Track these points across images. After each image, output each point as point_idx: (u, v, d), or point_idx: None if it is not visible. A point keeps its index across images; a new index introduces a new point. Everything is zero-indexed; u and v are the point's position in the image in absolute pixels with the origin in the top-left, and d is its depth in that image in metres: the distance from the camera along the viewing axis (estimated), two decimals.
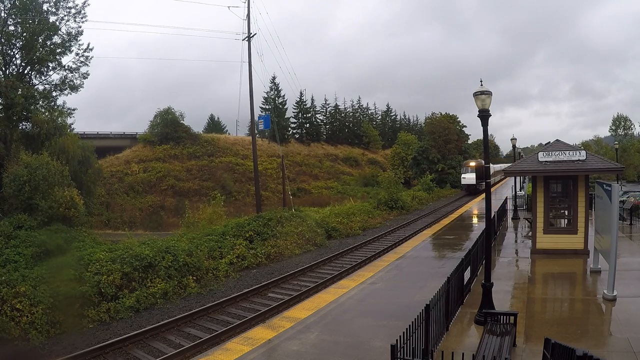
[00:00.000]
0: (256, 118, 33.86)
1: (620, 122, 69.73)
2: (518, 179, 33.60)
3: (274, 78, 62.79)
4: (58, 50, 24.34)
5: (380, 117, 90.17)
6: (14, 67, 23.87)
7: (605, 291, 9.64)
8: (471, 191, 49.37)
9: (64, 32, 24.62)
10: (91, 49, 25.52)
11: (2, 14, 22.84)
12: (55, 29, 24.12)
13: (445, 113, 74.20)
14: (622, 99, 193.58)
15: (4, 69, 23.31)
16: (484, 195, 43.16)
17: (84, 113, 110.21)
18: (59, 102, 25.50)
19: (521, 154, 38.10)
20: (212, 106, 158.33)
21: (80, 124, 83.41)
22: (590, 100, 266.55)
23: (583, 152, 12.90)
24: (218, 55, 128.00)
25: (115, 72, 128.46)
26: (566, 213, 14.02)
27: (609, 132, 71.83)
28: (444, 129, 66.80)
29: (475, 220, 24.78)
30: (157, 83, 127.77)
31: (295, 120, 68.85)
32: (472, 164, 48.83)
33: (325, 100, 76.59)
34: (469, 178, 49.24)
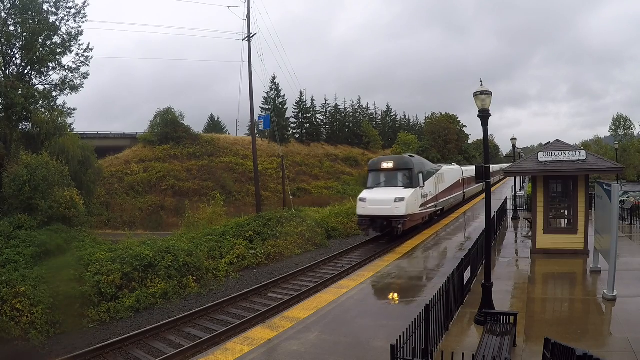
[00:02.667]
0: (256, 118, 33.86)
1: (620, 122, 69.63)
2: (518, 179, 33.56)
3: (274, 78, 62.75)
4: (58, 50, 24.36)
5: (380, 117, 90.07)
6: (14, 67, 23.87)
7: (605, 291, 9.64)
8: (381, 230, 19.69)
9: (64, 32, 24.67)
10: (91, 49, 25.58)
11: (2, 14, 22.85)
12: (55, 29, 24.14)
13: (445, 113, 74.39)
14: (620, 100, 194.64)
15: (4, 69, 23.31)
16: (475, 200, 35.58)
17: (87, 113, 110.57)
18: (59, 102, 25.56)
19: (521, 154, 38.00)
20: (213, 106, 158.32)
21: (83, 124, 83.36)
22: (589, 101, 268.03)
23: (583, 152, 12.91)
24: (220, 55, 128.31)
25: (118, 73, 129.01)
26: (566, 213, 14.02)
27: (609, 132, 71.75)
28: (444, 129, 66.96)
29: (475, 220, 24.70)
30: (161, 83, 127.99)
31: (295, 120, 68.76)
32: (388, 164, 20.64)
33: (325, 101, 76.52)
34: (375, 201, 19.24)
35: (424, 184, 20.39)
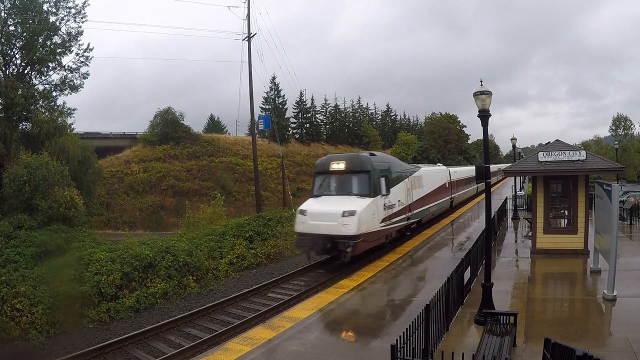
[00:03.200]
0: (256, 118, 33.90)
1: (620, 122, 69.65)
2: (518, 179, 33.55)
3: (274, 78, 62.82)
4: (58, 50, 24.38)
5: (380, 117, 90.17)
6: (14, 67, 23.89)
7: (605, 291, 9.65)
8: (326, 253, 15.29)
9: (64, 32, 24.69)
10: (91, 49, 25.61)
11: (2, 14, 22.86)
12: (55, 29, 24.16)
13: (445, 113, 74.40)
14: (620, 100, 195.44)
15: (4, 69, 23.32)
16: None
17: (87, 114, 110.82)
18: (59, 102, 25.60)
19: (521, 154, 37.98)
20: (213, 106, 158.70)
21: (84, 124, 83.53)
22: (588, 101, 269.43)
23: (583, 152, 12.92)
24: (220, 55, 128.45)
25: (119, 73, 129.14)
26: (566, 213, 14.03)
27: (609, 132, 71.79)
28: (444, 129, 66.98)
29: (474, 217, 24.71)
30: (161, 84, 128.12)
31: (295, 120, 68.85)
32: (339, 165, 16.03)
33: (326, 100, 76.63)
34: (318, 215, 14.77)
35: (388, 191, 16.09)
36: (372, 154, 17.27)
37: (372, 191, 15.21)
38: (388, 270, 13.78)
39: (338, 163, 16.14)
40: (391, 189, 16.48)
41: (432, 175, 23.30)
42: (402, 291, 11.73)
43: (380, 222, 15.43)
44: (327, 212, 14.60)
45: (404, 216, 17.81)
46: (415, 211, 19.22)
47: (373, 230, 14.88)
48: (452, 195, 27.66)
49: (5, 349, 11.27)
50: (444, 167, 28.15)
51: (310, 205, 15.66)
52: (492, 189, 27.73)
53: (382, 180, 15.95)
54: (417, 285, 12.28)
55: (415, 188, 19.43)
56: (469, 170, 33.70)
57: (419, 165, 24.40)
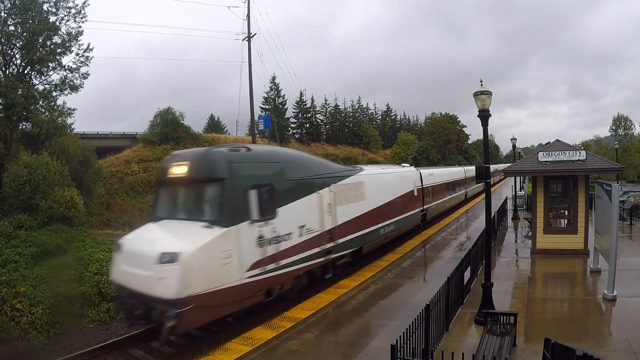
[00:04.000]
0: (256, 118, 33.91)
1: (621, 122, 69.67)
2: (518, 179, 33.57)
3: (274, 78, 62.78)
4: (58, 50, 24.38)
5: (380, 117, 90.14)
6: (14, 67, 23.88)
7: (605, 291, 9.65)
8: (144, 319, 8.75)
9: (64, 32, 24.69)
10: (91, 49, 25.59)
11: (2, 14, 22.87)
12: (55, 29, 24.15)
13: (445, 113, 74.56)
14: (619, 100, 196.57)
15: (4, 69, 23.32)
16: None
17: (88, 114, 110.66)
18: (59, 102, 25.60)
19: (521, 154, 38.05)
20: (213, 106, 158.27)
21: (84, 124, 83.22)
22: (588, 101, 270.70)
23: (583, 152, 12.93)
24: (221, 56, 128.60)
25: (121, 73, 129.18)
26: (566, 213, 14.04)
27: (609, 132, 71.84)
28: (444, 129, 67.12)
29: (481, 220, 24.67)
30: (162, 84, 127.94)
31: (295, 120, 68.87)
32: (180, 168, 9.54)
33: (326, 101, 76.56)
34: (131, 257, 8.71)
35: (272, 212, 9.82)
36: (248, 149, 10.42)
37: (226, 214, 8.90)
38: (388, 271, 13.78)
39: (179, 165, 9.78)
40: (281, 208, 10.11)
41: (385, 181, 16.81)
42: (402, 291, 11.71)
43: (249, 269, 9.15)
44: (140, 253, 8.66)
45: (317, 250, 11.47)
46: (344, 239, 12.78)
47: (225, 287, 8.58)
48: (426, 207, 21.23)
49: (5, 349, 11.27)
50: (412, 169, 21.58)
51: (132, 237, 9.65)
52: (492, 190, 26.28)
53: (254, 193, 9.47)
54: (417, 285, 12.27)
55: (346, 202, 13.07)
56: (454, 173, 27.73)
57: (360, 165, 17.44)
